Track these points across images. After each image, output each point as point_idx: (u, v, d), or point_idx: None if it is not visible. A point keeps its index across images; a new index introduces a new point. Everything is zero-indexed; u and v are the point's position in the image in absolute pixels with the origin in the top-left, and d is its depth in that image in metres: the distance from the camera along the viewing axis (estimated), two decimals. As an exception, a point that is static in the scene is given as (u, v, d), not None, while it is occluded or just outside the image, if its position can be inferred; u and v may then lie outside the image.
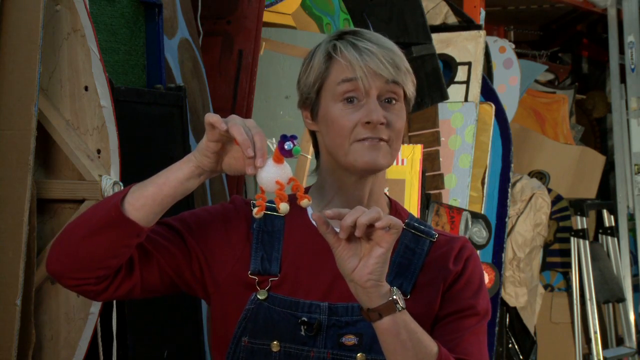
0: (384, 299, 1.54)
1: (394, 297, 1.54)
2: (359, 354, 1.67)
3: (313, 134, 1.80)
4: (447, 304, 1.71)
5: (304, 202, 1.53)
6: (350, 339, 1.68)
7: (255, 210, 1.55)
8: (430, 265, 1.73)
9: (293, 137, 1.52)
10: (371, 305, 1.54)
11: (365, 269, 1.52)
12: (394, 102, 1.71)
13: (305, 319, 1.68)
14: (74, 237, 1.63)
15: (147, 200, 1.60)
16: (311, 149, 3.13)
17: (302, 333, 1.68)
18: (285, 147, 1.52)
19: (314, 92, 1.74)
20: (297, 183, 1.54)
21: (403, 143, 3.17)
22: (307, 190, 1.81)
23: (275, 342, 1.68)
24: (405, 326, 1.56)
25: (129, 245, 1.63)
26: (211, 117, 1.55)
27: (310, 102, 1.76)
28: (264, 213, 1.72)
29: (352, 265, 1.53)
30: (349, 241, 1.53)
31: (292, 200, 1.57)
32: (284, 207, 1.53)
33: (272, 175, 1.53)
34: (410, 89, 1.74)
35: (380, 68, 1.68)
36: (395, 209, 1.80)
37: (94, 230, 1.60)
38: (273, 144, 1.55)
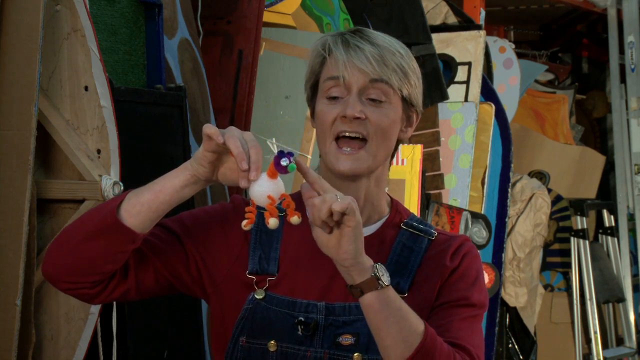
0: (365, 276, 1.54)
1: (376, 273, 1.54)
2: (355, 354, 1.66)
3: None
4: (441, 295, 1.70)
5: (294, 219, 1.53)
6: (347, 339, 1.67)
7: (244, 222, 1.55)
8: (428, 263, 1.73)
9: (290, 154, 1.51)
10: (353, 282, 1.55)
11: (340, 248, 1.52)
12: (381, 102, 1.70)
13: (302, 319, 1.68)
14: (70, 242, 1.63)
15: (142, 207, 1.60)
16: (311, 148, 3.14)
17: (299, 333, 1.67)
18: (282, 162, 1.51)
19: (309, 91, 1.76)
20: (288, 199, 1.53)
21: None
22: None
23: (272, 342, 1.68)
24: (389, 303, 1.55)
25: (124, 251, 1.63)
26: (209, 129, 1.55)
27: (309, 101, 1.77)
28: (263, 213, 1.72)
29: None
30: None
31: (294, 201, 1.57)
32: (273, 222, 1.52)
33: (264, 189, 1.52)
34: (408, 89, 1.72)
35: (363, 63, 1.67)
36: (395, 208, 1.80)
37: (89, 236, 1.61)
38: (273, 144, 1.54)
